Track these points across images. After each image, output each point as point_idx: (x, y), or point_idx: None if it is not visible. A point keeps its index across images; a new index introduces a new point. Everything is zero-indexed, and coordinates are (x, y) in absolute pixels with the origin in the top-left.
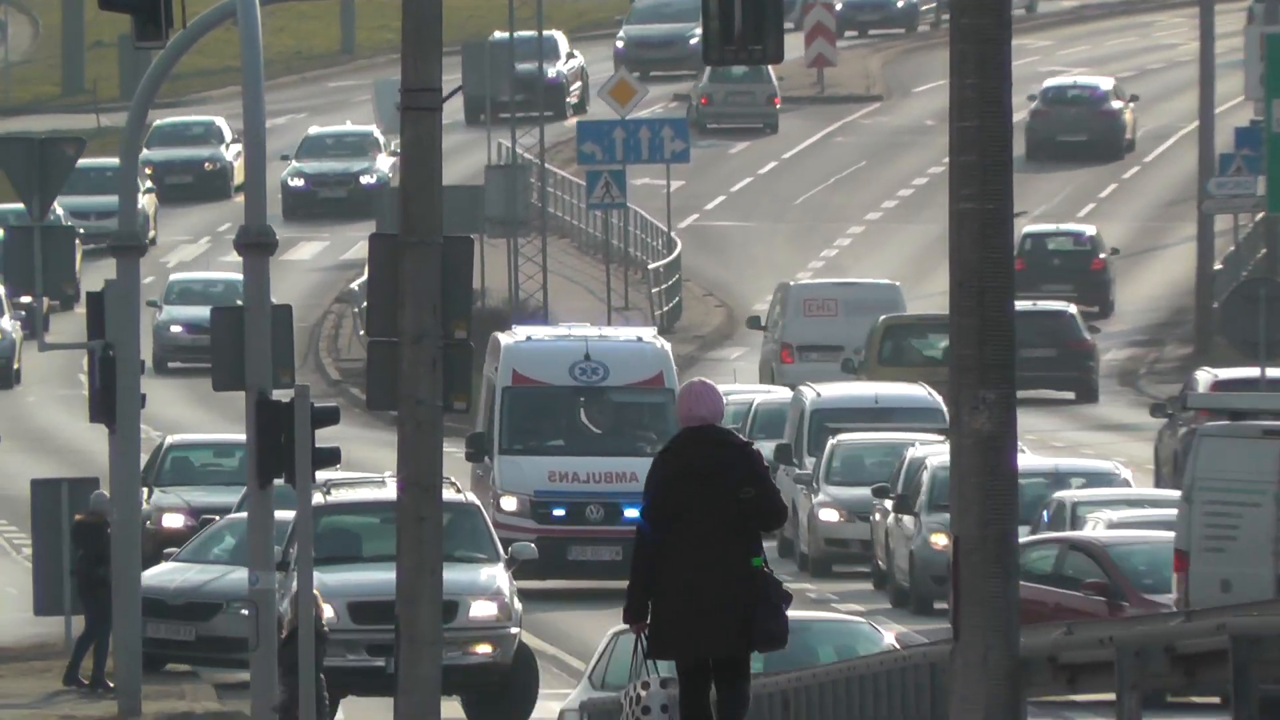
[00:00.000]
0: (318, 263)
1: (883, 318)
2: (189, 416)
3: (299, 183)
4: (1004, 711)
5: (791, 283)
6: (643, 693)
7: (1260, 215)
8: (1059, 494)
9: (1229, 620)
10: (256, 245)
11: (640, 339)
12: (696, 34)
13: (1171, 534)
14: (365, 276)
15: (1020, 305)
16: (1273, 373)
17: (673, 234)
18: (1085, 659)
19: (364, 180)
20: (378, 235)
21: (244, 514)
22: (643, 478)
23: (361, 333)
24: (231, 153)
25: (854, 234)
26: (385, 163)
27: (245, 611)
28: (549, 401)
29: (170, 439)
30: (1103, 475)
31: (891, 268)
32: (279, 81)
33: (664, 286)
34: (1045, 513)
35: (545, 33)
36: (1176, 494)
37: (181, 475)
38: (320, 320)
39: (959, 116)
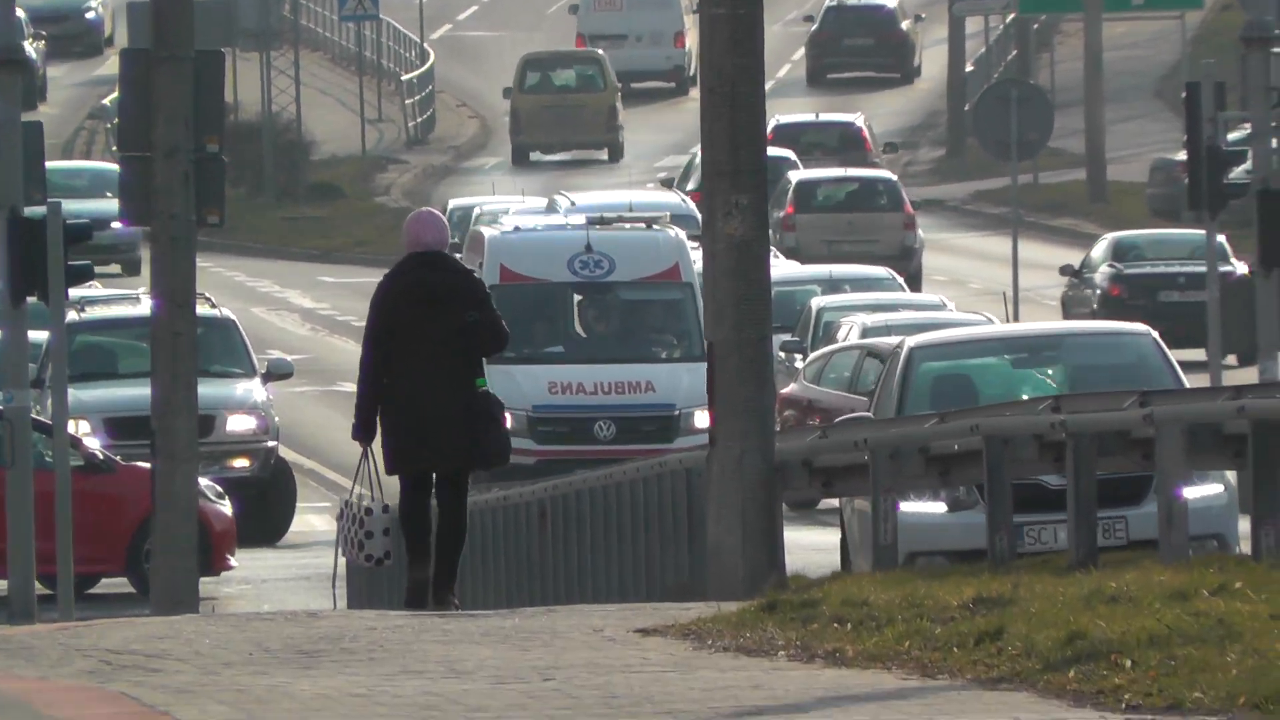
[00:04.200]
0: (69, 79)
1: (524, 54)
2: None
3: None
4: (760, 515)
5: None
6: (366, 517)
7: (1011, 16)
8: (814, 300)
9: (982, 421)
10: (7, 63)
11: (651, 225)
12: None
13: None
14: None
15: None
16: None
17: (426, 45)
18: (840, 462)
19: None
20: (129, 50)
21: None
22: (659, 387)
23: (114, 148)
24: None
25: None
26: None
27: None
28: (545, 301)
29: None
30: (876, 280)
31: None
32: None
33: (418, 98)
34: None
35: None
36: (929, 297)
37: None
38: (73, 137)
39: None
